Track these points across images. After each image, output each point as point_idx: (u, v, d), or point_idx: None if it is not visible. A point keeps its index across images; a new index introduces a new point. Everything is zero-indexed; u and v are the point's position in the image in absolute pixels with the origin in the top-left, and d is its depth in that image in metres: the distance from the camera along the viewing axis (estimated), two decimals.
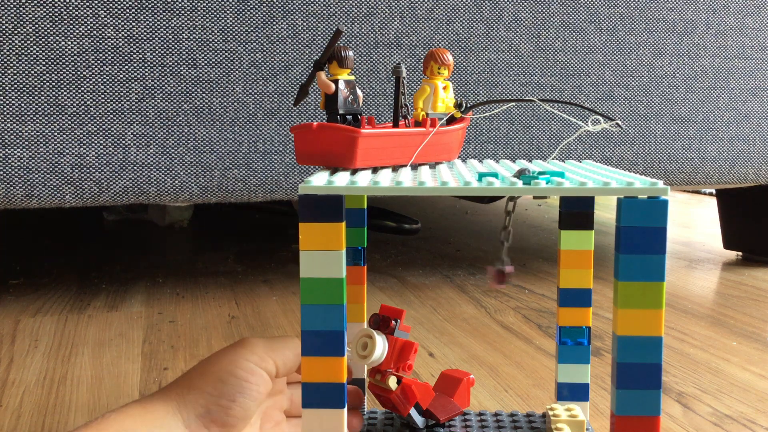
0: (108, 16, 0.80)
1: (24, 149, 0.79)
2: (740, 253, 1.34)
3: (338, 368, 0.39)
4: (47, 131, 0.80)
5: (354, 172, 0.43)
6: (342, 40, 0.88)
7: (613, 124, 0.45)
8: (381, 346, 0.50)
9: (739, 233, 1.31)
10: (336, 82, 0.45)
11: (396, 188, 0.38)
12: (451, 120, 0.49)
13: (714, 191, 1.36)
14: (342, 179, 0.40)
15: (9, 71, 0.78)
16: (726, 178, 1.08)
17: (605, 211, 1.65)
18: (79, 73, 0.80)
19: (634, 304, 0.37)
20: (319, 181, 0.39)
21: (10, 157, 0.79)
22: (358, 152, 0.42)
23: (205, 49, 0.84)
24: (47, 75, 0.79)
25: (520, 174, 0.40)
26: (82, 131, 0.81)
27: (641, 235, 0.37)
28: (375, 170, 0.45)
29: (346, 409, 0.39)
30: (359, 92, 0.46)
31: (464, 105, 0.49)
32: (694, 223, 1.80)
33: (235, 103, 0.85)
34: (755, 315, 0.94)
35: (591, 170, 0.45)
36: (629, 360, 0.37)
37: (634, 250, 0.37)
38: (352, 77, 0.46)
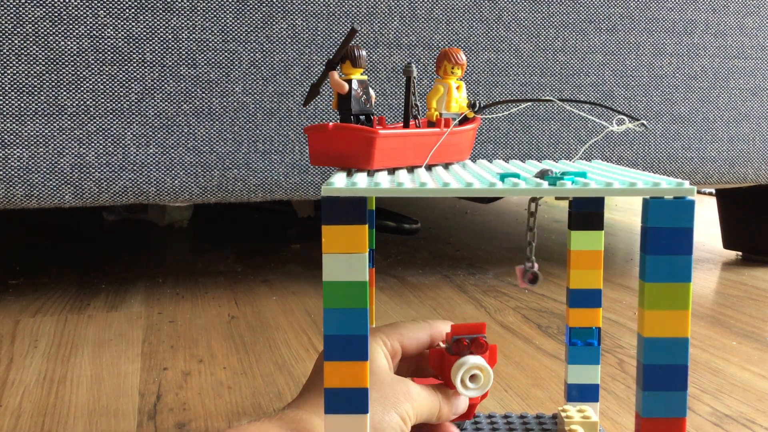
0: (107, 16, 0.80)
1: (24, 149, 0.79)
2: (740, 253, 1.33)
3: (362, 373, 0.38)
4: (47, 131, 0.80)
5: (370, 173, 0.43)
6: (341, 39, 0.88)
7: (639, 124, 0.44)
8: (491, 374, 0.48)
9: (738, 233, 1.31)
10: (349, 81, 0.44)
11: (420, 189, 0.37)
12: (463, 120, 0.49)
13: (714, 191, 1.36)
14: (360, 180, 0.39)
15: (9, 71, 0.78)
16: (726, 177, 1.08)
17: (606, 211, 1.65)
18: (78, 73, 0.80)
19: (660, 306, 0.37)
20: (338, 182, 0.38)
21: (9, 157, 0.79)
22: (376, 153, 0.41)
23: (205, 49, 0.84)
24: (47, 75, 0.79)
25: (543, 175, 0.39)
26: (81, 131, 0.81)
27: (668, 236, 0.36)
28: (391, 171, 0.44)
29: (369, 415, 0.38)
30: (371, 92, 0.46)
31: (477, 105, 0.49)
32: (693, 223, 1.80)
33: (235, 103, 0.85)
34: (755, 315, 0.94)
35: (608, 170, 0.45)
36: (655, 362, 0.37)
37: (660, 251, 0.36)
38: (365, 77, 0.45)
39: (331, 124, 0.42)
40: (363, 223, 0.37)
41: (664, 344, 0.37)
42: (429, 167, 0.47)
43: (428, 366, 0.52)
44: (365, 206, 0.37)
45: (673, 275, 0.37)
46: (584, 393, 0.53)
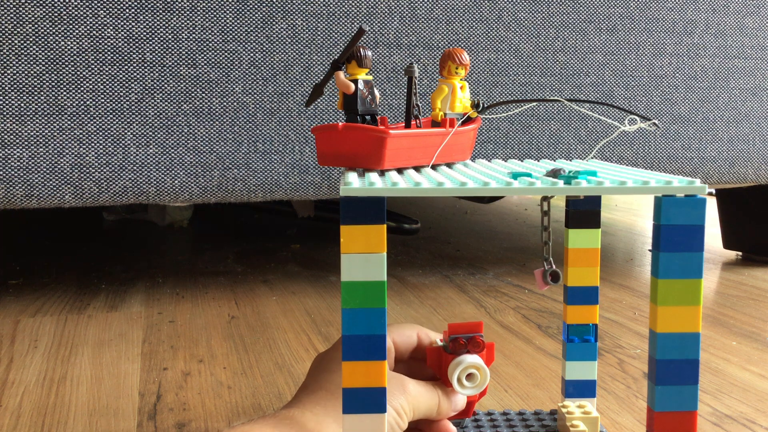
0: (107, 16, 0.80)
1: (23, 149, 0.79)
2: (740, 253, 1.34)
3: (380, 373, 0.38)
4: (47, 131, 0.80)
5: (380, 173, 0.42)
6: (341, 39, 0.88)
7: (651, 123, 0.45)
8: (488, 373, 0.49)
9: (738, 233, 1.31)
10: (355, 82, 0.44)
11: (439, 189, 0.37)
12: (466, 120, 0.49)
13: (714, 191, 1.36)
14: (378, 180, 0.39)
15: (9, 71, 0.78)
16: (726, 178, 1.08)
17: (606, 212, 1.65)
18: (78, 73, 0.80)
19: (673, 302, 0.38)
20: (356, 182, 0.38)
21: (9, 157, 0.79)
22: (387, 153, 0.41)
23: (205, 49, 0.84)
24: (47, 75, 0.79)
25: (556, 174, 0.39)
26: (81, 131, 0.81)
27: (680, 233, 0.37)
28: (398, 171, 0.44)
29: (386, 415, 0.39)
30: (376, 92, 0.46)
31: (481, 105, 0.49)
32: None
33: (235, 103, 0.85)
34: (755, 315, 0.94)
35: (610, 170, 0.45)
36: (668, 357, 0.38)
37: (673, 248, 0.37)
38: (370, 77, 0.45)
39: (340, 124, 0.41)
40: (382, 222, 0.37)
41: (677, 339, 0.38)
42: (434, 167, 0.47)
43: (419, 367, 0.52)
44: (384, 206, 0.37)
45: (685, 271, 0.37)
46: (581, 389, 0.53)
